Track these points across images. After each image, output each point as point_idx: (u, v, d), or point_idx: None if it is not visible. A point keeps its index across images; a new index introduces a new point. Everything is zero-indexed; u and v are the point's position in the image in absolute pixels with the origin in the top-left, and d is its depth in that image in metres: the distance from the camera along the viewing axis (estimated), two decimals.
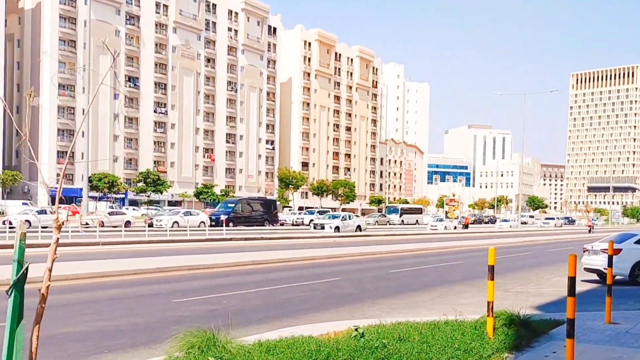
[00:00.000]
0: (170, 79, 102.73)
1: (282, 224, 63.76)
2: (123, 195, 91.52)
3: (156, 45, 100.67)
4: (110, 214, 49.85)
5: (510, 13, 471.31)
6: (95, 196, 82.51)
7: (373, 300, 13.23)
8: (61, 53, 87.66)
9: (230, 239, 33.84)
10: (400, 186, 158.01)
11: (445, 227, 66.26)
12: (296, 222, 66.54)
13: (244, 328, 8.82)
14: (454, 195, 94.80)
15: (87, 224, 40.41)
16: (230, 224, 51.52)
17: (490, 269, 7.81)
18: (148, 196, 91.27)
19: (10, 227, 29.13)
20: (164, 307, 11.63)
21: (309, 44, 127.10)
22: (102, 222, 43.44)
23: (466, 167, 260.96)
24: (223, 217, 51.14)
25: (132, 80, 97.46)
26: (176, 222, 48.13)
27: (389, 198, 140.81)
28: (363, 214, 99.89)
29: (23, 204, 63.92)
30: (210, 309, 11.38)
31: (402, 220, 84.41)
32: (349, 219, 53.91)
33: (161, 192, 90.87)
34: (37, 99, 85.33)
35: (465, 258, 26.89)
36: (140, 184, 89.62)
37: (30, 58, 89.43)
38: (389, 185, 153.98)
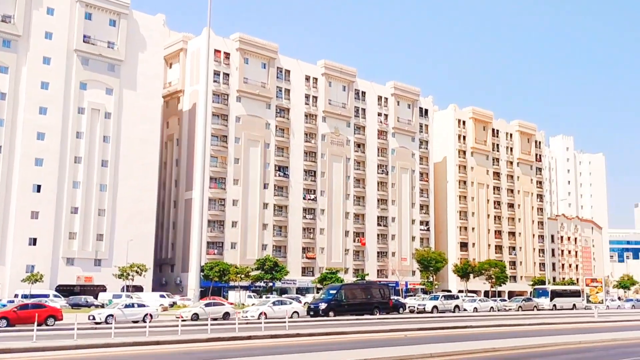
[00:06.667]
0: (320, 166, 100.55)
1: (411, 311, 57.42)
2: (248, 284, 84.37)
3: (305, 134, 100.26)
4: (207, 305, 45.27)
5: None
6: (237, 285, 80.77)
7: None
8: (213, 148, 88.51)
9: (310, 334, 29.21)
10: (577, 265, 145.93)
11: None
12: (418, 308, 58.29)
13: None
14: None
15: (180, 316, 39.66)
16: (331, 314, 46.31)
17: None
18: (266, 284, 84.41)
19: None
20: None
21: (463, 122, 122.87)
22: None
23: None
24: (322, 306, 46.66)
25: (282, 169, 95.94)
26: (264, 313, 42.35)
27: (563, 278, 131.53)
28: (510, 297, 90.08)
29: (160, 296, 64.94)
30: None
31: (554, 305, 72.20)
32: (453, 298, 62.02)
33: (279, 279, 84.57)
34: (190, 193, 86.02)
35: None
36: (258, 272, 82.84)
37: (186, 155, 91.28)
38: (563, 265, 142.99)
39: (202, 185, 56.01)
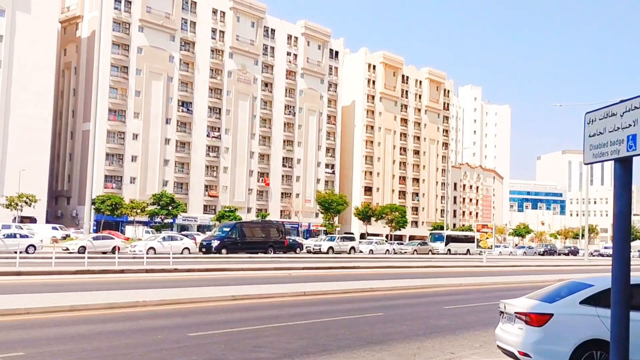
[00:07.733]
0: (225, 104, 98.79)
1: (308, 251, 57.59)
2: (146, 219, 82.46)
3: (211, 70, 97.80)
4: (96, 238, 44.26)
5: (596, 29, 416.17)
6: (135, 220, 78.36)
7: None
8: (113, 79, 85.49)
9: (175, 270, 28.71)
10: (477, 213, 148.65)
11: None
12: (314, 249, 58.99)
13: None
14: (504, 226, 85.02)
15: (67, 248, 40.79)
16: (224, 251, 46.06)
17: None
18: (162, 220, 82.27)
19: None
20: None
21: (374, 66, 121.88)
22: (84, 247, 40.23)
23: (560, 195, 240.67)
24: (215, 243, 46.63)
25: (186, 105, 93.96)
26: (152, 248, 41.68)
27: (463, 225, 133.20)
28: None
29: (53, 228, 62.98)
30: None
31: (449, 250, 74.07)
32: (350, 240, 63.66)
33: (175, 216, 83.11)
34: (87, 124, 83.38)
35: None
36: (154, 207, 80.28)
37: (84, 85, 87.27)
38: (464, 212, 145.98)
39: (96, 115, 54.06)
